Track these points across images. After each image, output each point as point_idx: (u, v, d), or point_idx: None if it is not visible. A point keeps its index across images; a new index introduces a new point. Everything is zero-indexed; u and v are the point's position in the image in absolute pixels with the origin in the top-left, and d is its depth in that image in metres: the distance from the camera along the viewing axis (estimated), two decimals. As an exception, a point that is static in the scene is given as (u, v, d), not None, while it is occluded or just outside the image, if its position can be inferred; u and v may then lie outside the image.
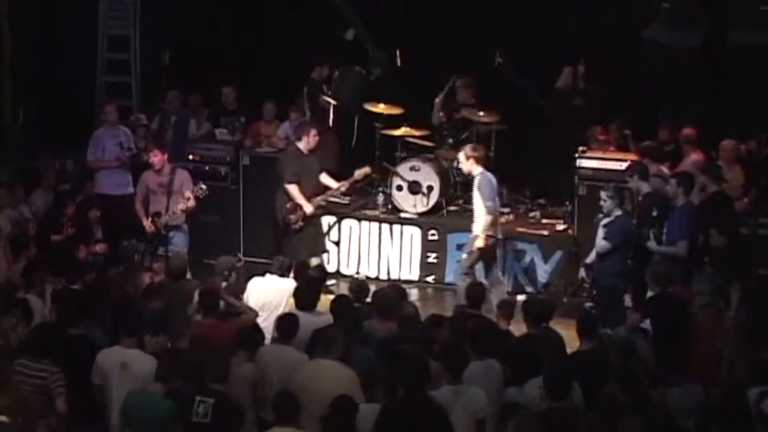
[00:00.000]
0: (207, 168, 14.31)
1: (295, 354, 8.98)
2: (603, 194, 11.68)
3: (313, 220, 13.23)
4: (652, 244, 11.29)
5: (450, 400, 8.00)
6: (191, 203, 12.56)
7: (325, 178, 13.31)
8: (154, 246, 12.38)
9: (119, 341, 8.84)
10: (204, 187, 12.63)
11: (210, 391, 8.15)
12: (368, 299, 10.26)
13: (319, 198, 13.22)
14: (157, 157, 12.75)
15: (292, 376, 8.50)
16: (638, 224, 11.55)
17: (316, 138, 13.11)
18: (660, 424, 7.68)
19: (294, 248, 12.90)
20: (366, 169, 13.54)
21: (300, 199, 13.00)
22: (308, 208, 13.04)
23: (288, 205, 13.07)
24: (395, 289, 10.57)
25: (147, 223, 12.59)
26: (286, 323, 9.22)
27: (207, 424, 8.00)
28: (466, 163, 12.55)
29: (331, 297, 10.41)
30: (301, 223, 13.07)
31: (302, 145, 13.11)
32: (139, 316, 9.18)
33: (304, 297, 10.00)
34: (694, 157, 12.71)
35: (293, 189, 13.01)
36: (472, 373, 8.37)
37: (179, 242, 12.59)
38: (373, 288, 10.70)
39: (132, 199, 13.01)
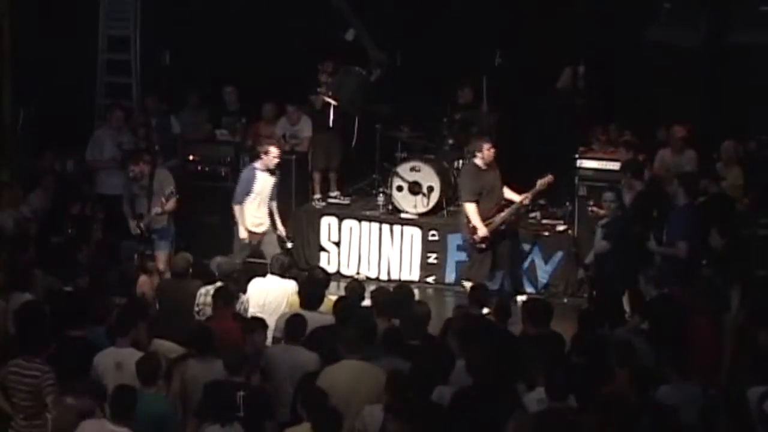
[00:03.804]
0: (207, 168, 14.31)
1: (304, 354, 8.96)
2: (609, 195, 11.69)
3: (496, 239, 12.59)
4: (651, 245, 11.29)
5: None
6: (169, 206, 12.38)
7: (507, 192, 12.75)
8: (143, 247, 12.31)
9: (114, 342, 8.87)
10: (173, 189, 12.32)
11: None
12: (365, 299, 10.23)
13: (504, 214, 12.56)
14: (137, 168, 12.43)
15: (322, 378, 8.34)
16: (635, 223, 11.56)
17: (491, 151, 12.48)
18: (667, 423, 7.66)
19: (477, 269, 12.57)
20: (548, 178, 12.70)
21: (476, 220, 12.40)
22: (482, 231, 12.38)
23: (470, 225, 12.54)
24: (402, 289, 10.52)
25: (132, 225, 12.48)
26: (294, 324, 9.17)
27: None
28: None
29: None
30: (483, 245, 12.48)
31: (479, 161, 12.58)
32: (134, 315, 9.17)
33: (309, 296, 9.97)
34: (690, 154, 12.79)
35: (471, 209, 12.44)
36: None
37: (163, 245, 12.42)
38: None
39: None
